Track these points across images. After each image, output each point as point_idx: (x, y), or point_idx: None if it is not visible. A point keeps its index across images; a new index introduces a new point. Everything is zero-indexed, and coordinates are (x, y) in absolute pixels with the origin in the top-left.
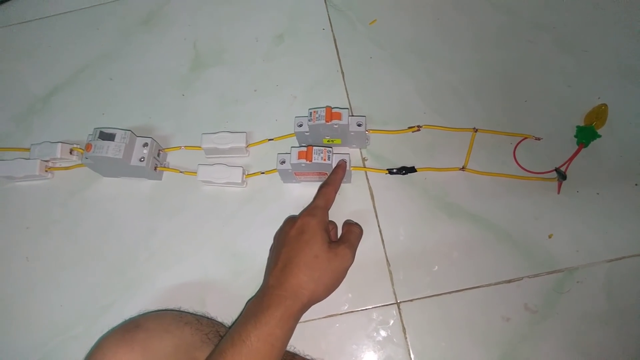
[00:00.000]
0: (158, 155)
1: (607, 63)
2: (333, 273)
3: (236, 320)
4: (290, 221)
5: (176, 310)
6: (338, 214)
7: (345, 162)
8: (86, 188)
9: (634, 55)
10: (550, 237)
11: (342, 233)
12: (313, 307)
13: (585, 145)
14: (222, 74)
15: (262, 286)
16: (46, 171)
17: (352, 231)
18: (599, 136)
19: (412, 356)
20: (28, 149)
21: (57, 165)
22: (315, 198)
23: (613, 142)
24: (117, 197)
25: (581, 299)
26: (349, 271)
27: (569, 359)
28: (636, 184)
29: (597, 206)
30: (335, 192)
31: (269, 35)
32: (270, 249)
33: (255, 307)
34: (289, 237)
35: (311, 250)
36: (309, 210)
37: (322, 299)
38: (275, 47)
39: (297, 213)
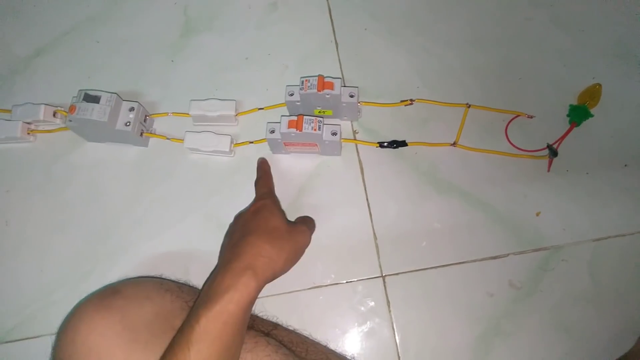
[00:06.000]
0: (144, 120)
1: (603, 43)
2: (293, 244)
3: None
4: (243, 211)
5: (157, 278)
6: (327, 186)
7: (266, 160)
8: (69, 152)
9: (630, 37)
10: (537, 215)
11: (296, 220)
12: (298, 278)
13: (577, 124)
14: (212, 40)
15: (216, 265)
16: (28, 134)
17: (307, 219)
18: (592, 116)
19: (395, 329)
20: (9, 110)
21: (40, 128)
22: (257, 190)
23: (605, 123)
24: (102, 162)
25: (565, 277)
26: (335, 244)
27: (551, 336)
28: (626, 165)
29: (586, 186)
30: (272, 181)
31: (262, 2)
32: (225, 236)
33: (208, 287)
34: (246, 217)
35: (270, 222)
36: (259, 197)
37: (281, 273)
38: (268, 14)
39: (285, 184)
